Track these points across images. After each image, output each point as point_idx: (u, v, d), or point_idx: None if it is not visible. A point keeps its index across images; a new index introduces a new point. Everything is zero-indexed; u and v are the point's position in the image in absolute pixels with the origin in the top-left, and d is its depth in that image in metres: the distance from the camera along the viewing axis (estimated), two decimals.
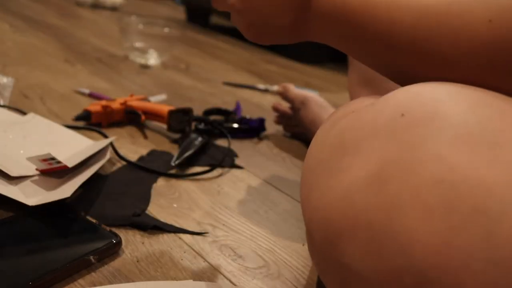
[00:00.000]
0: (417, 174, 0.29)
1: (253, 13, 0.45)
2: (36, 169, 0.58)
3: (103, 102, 0.83)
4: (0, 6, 1.68)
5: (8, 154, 0.61)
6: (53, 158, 0.57)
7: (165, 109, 0.82)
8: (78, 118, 0.80)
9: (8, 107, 0.77)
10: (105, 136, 0.76)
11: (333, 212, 0.32)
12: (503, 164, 0.27)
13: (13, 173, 0.55)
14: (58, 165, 0.57)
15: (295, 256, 0.55)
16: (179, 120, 0.81)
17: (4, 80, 0.88)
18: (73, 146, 0.67)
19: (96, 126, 0.80)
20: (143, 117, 0.82)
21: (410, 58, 0.38)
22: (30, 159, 0.56)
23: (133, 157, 0.72)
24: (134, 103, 0.85)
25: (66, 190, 0.54)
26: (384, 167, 0.30)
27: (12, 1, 1.83)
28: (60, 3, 2.00)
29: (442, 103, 0.31)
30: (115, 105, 0.83)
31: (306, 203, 0.37)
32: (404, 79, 0.39)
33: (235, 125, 0.89)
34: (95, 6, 2.09)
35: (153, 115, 0.83)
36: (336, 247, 0.32)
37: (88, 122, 0.80)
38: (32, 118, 0.72)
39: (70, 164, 0.58)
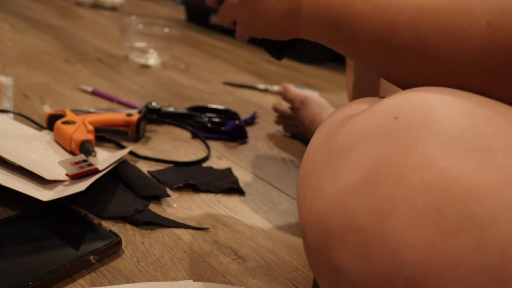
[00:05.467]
0: (407, 178, 0.29)
1: (251, 5, 0.48)
2: (66, 175, 0.59)
3: (83, 128, 0.70)
4: (0, 6, 1.68)
5: (39, 162, 0.62)
6: (85, 161, 0.57)
7: (130, 118, 0.77)
8: (89, 153, 0.66)
9: (21, 115, 0.78)
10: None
11: (325, 214, 0.32)
12: (494, 170, 0.27)
13: (47, 176, 0.56)
14: (89, 167, 0.58)
15: (295, 256, 0.55)
16: (145, 126, 0.80)
17: (4, 80, 0.88)
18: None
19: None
20: (130, 130, 0.76)
21: (405, 63, 0.37)
22: (61, 162, 0.57)
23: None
24: (94, 119, 0.75)
25: (81, 185, 0.55)
26: (375, 170, 0.30)
27: (12, 1, 1.83)
28: (60, 3, 2.00)
29: (435, 107, 0.31)
30: (91, 127, 0.71)
31: (301, 204, 0.37)
32: (399, 82, 0.39)
33: (209, 124, 0.88)
34: (95, 6, 2.09)
35: (119, 126, 0.77)
36: (328, 249, 0.32)
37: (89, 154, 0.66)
38: (47, 133, 0.73)
39: (101, 166, 0.59)
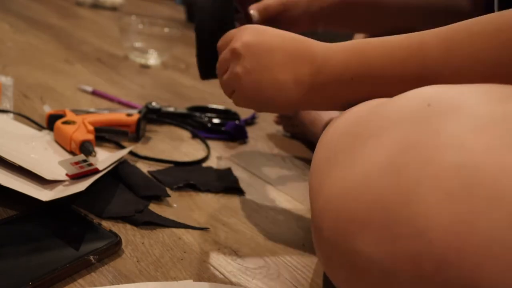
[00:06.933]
0: (438, 157, 0.29)
1: (253, 59, 0.48)
2: (66, 175, 0.58)
3: (83, 128, 0.70)
4: (0, 6, 1.67)
5: (39, 162, 0.61)
6: (85, 161, 0.57)
7: (130, 118, 0.77)
8: (89, 153, 0.65)
9: (20, 115, 0.78)
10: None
11: (347, 198, 0.32)
12: None
13: (47, 176, 0.56)
14: (89, 168, 0.58)
15: (295, 256, 0.55)
16: (144, 126, 0.80)
17: (4, 80, 0.88)
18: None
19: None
20: (130, 130, 0.76)
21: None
22: (61, 162, 0.57)
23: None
24: (94, 119, 0.74)
25: (81, 185, 0.55)
26: (404, 151, 0.30)
27: (12, 1, 1.83)
28: (60, 3, 2.00)
29: (468, 95, 0.32)
30: (91, 127, 0.71)
31: (317, 193, 0.36)
32: None
33: (209, 124, 0.88)
34: (95, 6, 2.09)
35: (119, 126, 0.76)
36: (350, 235, 0.32)
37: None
38: (47, 133, 0.73)
39: (101, 167, 0.59)
